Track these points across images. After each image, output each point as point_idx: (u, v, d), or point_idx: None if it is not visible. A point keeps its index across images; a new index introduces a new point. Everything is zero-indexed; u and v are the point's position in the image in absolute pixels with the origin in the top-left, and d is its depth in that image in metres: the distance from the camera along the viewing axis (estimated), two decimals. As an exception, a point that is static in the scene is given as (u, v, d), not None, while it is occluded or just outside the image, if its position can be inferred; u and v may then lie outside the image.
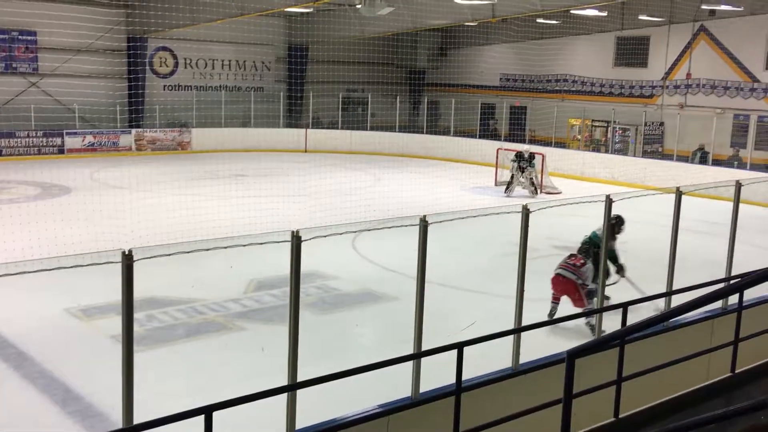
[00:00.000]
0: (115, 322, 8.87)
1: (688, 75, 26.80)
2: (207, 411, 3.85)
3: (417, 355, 5.32)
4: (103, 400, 6.73)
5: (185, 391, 7.23)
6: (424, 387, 5.44)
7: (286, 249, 5.06)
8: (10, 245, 11.00)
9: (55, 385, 7.18)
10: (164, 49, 28.85)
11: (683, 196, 7.25)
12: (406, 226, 5.66)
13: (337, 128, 29.66)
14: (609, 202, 7.05)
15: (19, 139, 24.42)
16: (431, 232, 5.50)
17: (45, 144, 24.86)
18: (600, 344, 5.26)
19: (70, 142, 25.28)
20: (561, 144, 26.84)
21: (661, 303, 7.59)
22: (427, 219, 5.48)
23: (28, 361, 7.70)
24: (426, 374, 5.49)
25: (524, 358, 5.92)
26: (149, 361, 7.61)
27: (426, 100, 30.09)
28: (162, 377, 7.38)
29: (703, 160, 22.56)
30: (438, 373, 5.48)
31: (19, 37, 25.44)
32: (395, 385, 5.65)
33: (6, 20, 24.37)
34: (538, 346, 6.39)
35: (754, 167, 21.13)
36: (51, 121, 25.04)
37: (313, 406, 5.23)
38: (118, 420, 5.85)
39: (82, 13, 24.41)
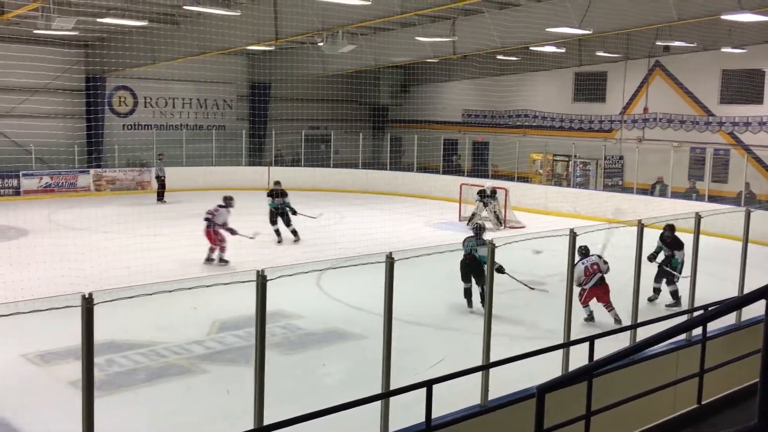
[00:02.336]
0: (74, 368, 8.63)
1: (645, 109, 27.42)
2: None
3: (385, 395, 5.24)
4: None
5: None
6: (393, 426, 5.35)
7: (250, 288, 4.98)
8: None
9: (11, 435, 6.92)
10: (123, 88, 28.66)
11: (644, 229, 7.34)
12: (373, 263, 5.62)
13: (300, 165, 29.64)
14: (573, 235, 7.11)
15: (-26, 181, 23.91)
16: (398, 269, 5.47)
17: (0, 186, 24.37)
18: (569, 379, 5.24)
19: (27, 183, 24.81)
20: (524, 178, 27.14)
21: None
22: (393, 256, 5.45)
23: (-18, 411, 7.42)
24: (394, 413, 5.40)
25: (497, 392, 5.87)
26: (110, 406, 7.38)
27: (389, 137, 30.27)
28: (123, 423, 7.17)
29: (662, 193, 22.97)
30: (407, 412, 5.40)
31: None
32: (364, 424, 5.55)
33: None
34: (508, 380, 6.34)
35: (712, 199, 21.58)
36: (7, 163, 24.60)
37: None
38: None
39: (40, 53, 24.16)
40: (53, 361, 9.02)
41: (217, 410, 7.68)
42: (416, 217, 21.38)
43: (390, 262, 5.44)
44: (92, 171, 26.20)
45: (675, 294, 12.13)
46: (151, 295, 5.00)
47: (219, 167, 28.26)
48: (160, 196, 24.71)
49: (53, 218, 20.71)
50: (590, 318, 11.28)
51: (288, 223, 17.67)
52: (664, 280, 12.33)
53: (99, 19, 20.47)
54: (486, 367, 5.76)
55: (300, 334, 10.43)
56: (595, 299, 11.14)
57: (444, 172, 27.56)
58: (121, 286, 6.04)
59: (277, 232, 17.65)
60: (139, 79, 28.11)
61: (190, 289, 5.46)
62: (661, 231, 12.37)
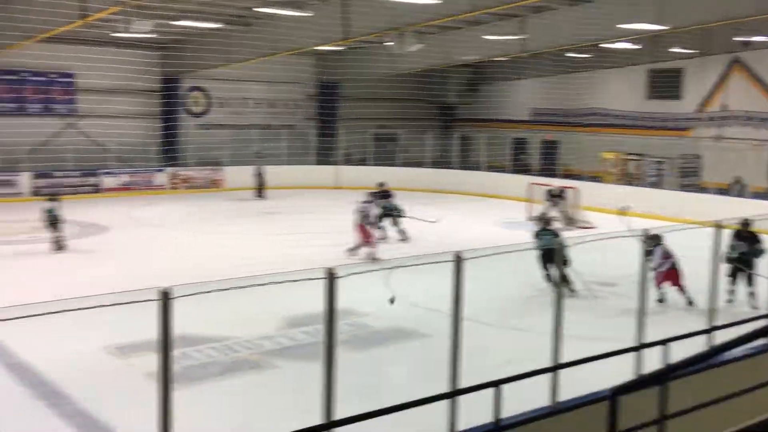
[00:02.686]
0: (150, 360, 8.87)
1: (723, 107, 26.53)
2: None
3: (453, 393, 5.24)
4: (139, 438, 6.71)
5: (220, 430, 7.19)
6: (460, 426, 5.34)
7: (318, 286, 5.05)
8: (48, 285, 11.13)
9: (92, 424, 7.19)
10: (198, 89, 29.38)
11: (722, 230, 7.12)
12: (441, 262, 5.62)
13: (368, 164, 29.81)
14: (646, 236, 6.96)
15: (56, 179, 24.90)
16: (466, 268, 5.46)
17: (81, 183, 25.31)
18: (644, 381, 5.13)
19: (107, 181, 25.72)
20: (595, 178, 26.64)
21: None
22: (461, 255, 5.44)
23: (65, 399, 7.73)
24: (461, 413, 5.40)
25: (566, 394, 5.80)
26: (184, 399, 7.58)
27: (457, 136, 30.14)
28: (197, 416, 7.35)
29: (741, 193, 22.20)
30: (472, 412, 5.38)
31: (57, 79, 26.12)
32: (430, 423, 5.56)
33: (44, 63, 25.03)
34: (577, 381, 6.24)
35: (794, 199, 20.74)
36: (88, 161, 25.54)
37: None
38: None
39: (119, 56, 25.03)
40: (131, 353, 9.33)
41: (288, 405, 7.81)
42: (484, 217, 21.25)
43: (458, 261, 5.44)
44: (168, 170, 26.97)
45: (753, 295, 11.47)
46: (225, 290, 5.14)
47: (289, 166, 28.70)
48: (259, 193, 25.34)
49: (132, 215, 21.40)
50: (662, 299, 11.60)
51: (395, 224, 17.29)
52: (742, 282, 11.64)
53: (175, 22, 21.05)
54: (556, 368, 5.69)
55: (368, 332, 10.50)
56: (669, 283, 11.54)
57: (512, 171, 27.29)
58: (197, 282, 6.22)
59: (383, 230, 17.00)
60: (213, 79, 28.78)
61: (262, 285, 5.58)
62: (737, 229, 11.71)
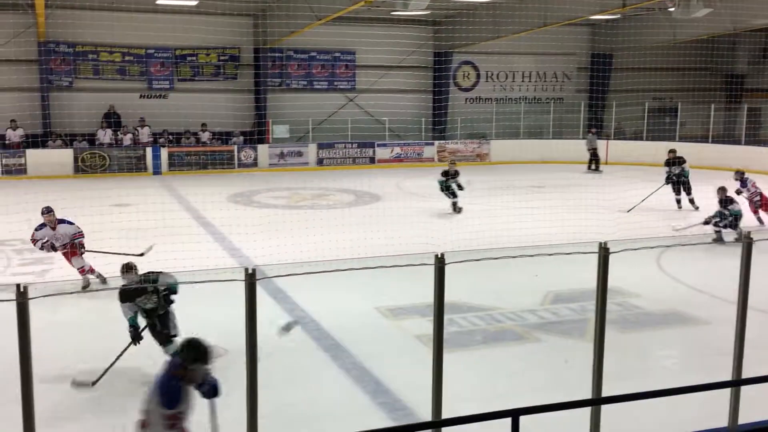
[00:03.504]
0: (418, 324, 9.37)
1: None
2: (514, 414, 3.89)
3: (736, 383, 4.88)
4: (410, 395, 7.12)
5: (484, 395, 7.38)
6: (743, 419, 4.96)
7: (585, 263, 4.95)
8: (328, 246, 12.11)
9: (367, 377, 7.75)
10: (467, 63, 29.89)
11: None
12: (725, 243, 5.22)
13: (641, 139, 28.32)
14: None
15: (337, 150, 26.93)
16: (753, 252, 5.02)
17: (359, 155, 27.09)
18: None
19: (380, 153, 27.28)
20: None
21: None
22: (751, 236, 5.01)
23: (344, 353, 8.42)
24: (744, 406, 5.01)
25: None
26: (450, 363, 7.89)
27: (745, 108, 27.47)
28: (461, 380, 7.61)
29: None
30: (756, 409, 4.97)
31: (341, 57, 28.08)
32: (707, 414, 5.23)
33: (330, 41, 27.02)
34: None
35: None
36: (365, 133, 27.26)
37: (616, 425, 5.03)
38: (422, 416, 6.17)
39: (395, 33, 26.24)
40: (401, 315, 9.88)
41: (552, 378, 7.79)
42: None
43: (747, 243, 5.02)
44: (436, 143, 27.88)
45: (693, 201, 16.92)
46: (494, 259, 5.24)
47: (555, 140, 28.24)
48: (594, 165, 25.90)
49: (401, 185, 22.48)
50: None
51: (688, 192, 17.53)
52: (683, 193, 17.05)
53: (449, -2, 21.56)
54: None
55: (637, 313, 10.08)
56: None
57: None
58: (466, 249, 6.39)
59: (678, 201, 17.73)
60: (482, 53, 29.10)
61: (532, 256, 5.61)
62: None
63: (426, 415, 5.18)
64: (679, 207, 17.62)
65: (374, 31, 25.95)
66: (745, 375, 5.09)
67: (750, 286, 5.18)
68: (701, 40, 27.17)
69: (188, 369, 4.35)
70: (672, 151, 18.16)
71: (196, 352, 4.41)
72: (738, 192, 15.19)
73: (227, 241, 14.33)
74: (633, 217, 16.22)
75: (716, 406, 5.32)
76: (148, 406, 4.39)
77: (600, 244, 5.01)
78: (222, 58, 26.81)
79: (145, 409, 4.43)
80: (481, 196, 18.85)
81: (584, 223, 14.71)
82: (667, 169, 17.74)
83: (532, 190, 20.87)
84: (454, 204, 17.77)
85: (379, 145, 27.38)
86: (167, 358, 5.78)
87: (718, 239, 13.33)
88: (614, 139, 28.36)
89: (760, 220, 15.26)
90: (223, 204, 18.54)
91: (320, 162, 26.68)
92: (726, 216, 13.59)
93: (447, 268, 4.68)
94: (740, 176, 15.68)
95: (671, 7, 18.77)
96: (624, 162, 26.72)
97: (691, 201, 17.39)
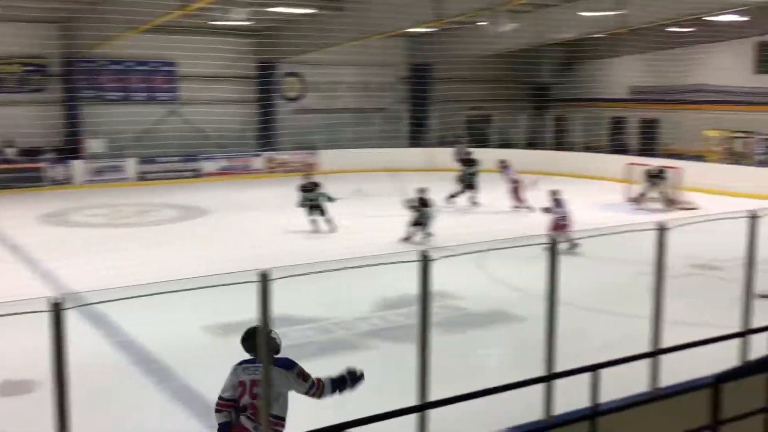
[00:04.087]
0: (250, 339, 9.19)
1: (839, 80, 24.96)
2: (339, 429, 3.89)
3: (549, 377, 5.19)
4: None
5: (314, 408, 7.35)
6: (556, 410, 5.29)
7: (412, 268, 5.09)
8: (152, 266, 11.64)
9: (196, 400, 7.50)
10: (293, 74, 29.90)
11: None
12: (535, 245, 5.56)
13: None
14: (753, 218, 6.65)
15: (160, 164, 25.96)
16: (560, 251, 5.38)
17: (183, 168, 26.29)
18: (750, 368, 4.94)
19: (206, 166, 26.62)
20: (698, 157, 25.60)
21: None
22: (555, 238, 5.36)
23: (171, 376, 8.10)
24: (556, 397, 5.34)
25: (666, 381, 5.65)
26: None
27: (551, 116, 29.55)
28: (293, 394, 7.55)
29: None
30: (567, 398, 5.32)
31: (160, 68, 27.15)
32: (525, 408, 5.52)
33: (147, 53, 26.04)
34: (677, 368, 6.07)
35: None
36: (189, 147, 26.49)
37: (441, 427, 5.19)
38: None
39: (217, 43, 25.73)
40: (231, 332, 9.65)
41: (384, 385, 7.90)
42: (581, 198, 20.74)
43: (552, 244, 5.37)
44: (265, 154, 27.64)
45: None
46: (320, 273, 5.25)
47: (381, 149, 28.89)
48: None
49: (230, 199, 22.06)
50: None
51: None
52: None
53: (270, 9, 21.46)
54: (657, 353, 5.55)
55: (461, 315, 10.50)
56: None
57: (609, 152, 26.54)
58: (294, 264, 6.37)
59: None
60: (307, 64, 29.22)
61: (355, 268, 5.66)
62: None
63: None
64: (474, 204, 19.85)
65: (195, 41, 25.32)
66: (558, 367, 5.42)
67: (559, 281, 5.54)
68: (510, 53, 28.89)
69: None
70: (467, 153, 20.62)
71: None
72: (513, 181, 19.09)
73: (41, 265, 13.36)
74: (453, 219, 16.93)
75: (535, 399, 5.63)
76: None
77: (421, 252, 5.16)
78: (26, 68, 25.02)
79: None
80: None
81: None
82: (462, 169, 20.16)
83: (360, 199, 21.19)
84: (329, 221, 16.37)
85: (205, 158, 26.72)
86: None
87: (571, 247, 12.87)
88: (437, 147, 29.43)
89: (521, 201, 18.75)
90: (34, 225, 17.29)
91: (142, 177, 25.59)
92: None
93: (278, 282, 4.63)
94: (503, 165, 19.42)
95: (481, 21, 19.81)
96: (448, 168, 27.78)
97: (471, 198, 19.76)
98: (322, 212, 16.40)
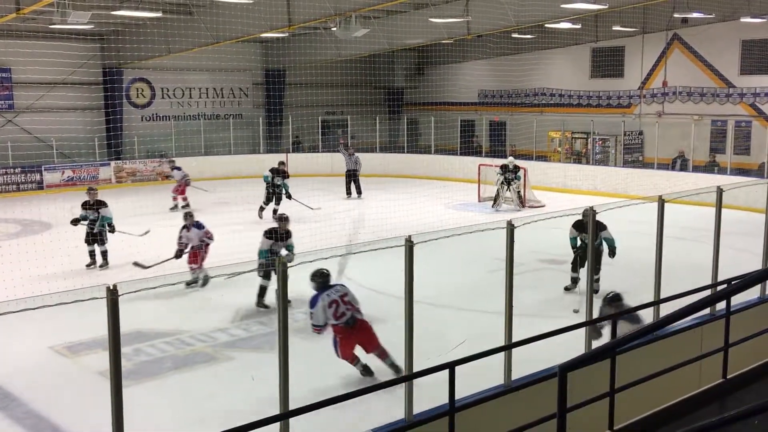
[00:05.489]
0: (101, 358, 8.73)
1: (664, 83, 27.11)
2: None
3: (408, 377, 5.28)
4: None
5: (176, 425, 7.13)
6: (417, 409, 5.39)
7: (273, 276, 5.04)
8: (-9, 285, 10.84)
9: (44, 425, 7.06)
10: (141, 80, 28.81)
11: (666, 204, 7.29)
12: (392, 247, 5.64)
13: (317, 151, 29.67)
14: (593, 213, 7.09)
15: (-3, 177, 24.21)
16: (417, 252, 5.49)
17: (24, 180, 24.66)
18: (592, 357, 5.25)
19: (49, 177, 25.10)
20: (542, 157, 27.00)
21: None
22: (412, 239, 5.47)
23: (14, 402, 7.57)
24: (418, 396, 5.44)
25: (520, 372, 5.90)
26: (138, 395, 7.50)
27: (405, 119, 30.20)
28: (152, 412, 7.28)
29: (684, 167, 22.75)
30: (430, 395, 5.44)
31: (-6, 74, 25.34)
32: (387, 408, 5.59)
33: (-20, 58, 24.25)
34: (531, 360, 6.36)
35: (734, 172, 21.36)
36: (29, 158, 24.87)
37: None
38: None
39: (57, 48, 24.32)
40: (81, 351, 9.17)
41: (244, 396, 7.77)
42: (435, 199, 21.36)
43: (409, 245, 5.46)
44: (113, 163, 26.43)
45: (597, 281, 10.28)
46: (173, 285, 5.08)
47: (237, 156, 28.40)
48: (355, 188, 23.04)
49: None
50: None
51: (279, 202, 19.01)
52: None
53: (114, 12, 20.56)
54: (508, 347, 5.78)
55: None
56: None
57: (462, 153, 27.47)
58: (145, 277, 6.12)
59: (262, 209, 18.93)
60: (156, 70, 28.26)
61: (211, 278, 5.54)
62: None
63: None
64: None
65: (33, 46, 23.82)
66: (418, 366, 5.53)
67: (415, 282, 5.65)
68: (364, 58, 29.27)
69: None
70: (281, 162, 20.05)
71: None
72: (167, 176, 19.41)
73: None
74: (310, 224, 16.91)
75: (397, 399, 5.71)
76: None
77: (278, 259, 5.11)
78: None
79: None
80: (163, 218, 18.28)
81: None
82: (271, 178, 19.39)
83: (216, 206, 20.75)
84: (104, 253, 14.13)
85: (47, 169, 25.16)
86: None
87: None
88: (293, 152, 29.31)
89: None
90: None
91: (-23, 190, 23.78)
92: None
93: (127, 296, 4.43)
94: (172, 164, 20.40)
95: (333, 27, 19.93)
96: (303, 174, 27.76)
97: (275, 212, 18.41)
98: (102, 241, 14.12)
